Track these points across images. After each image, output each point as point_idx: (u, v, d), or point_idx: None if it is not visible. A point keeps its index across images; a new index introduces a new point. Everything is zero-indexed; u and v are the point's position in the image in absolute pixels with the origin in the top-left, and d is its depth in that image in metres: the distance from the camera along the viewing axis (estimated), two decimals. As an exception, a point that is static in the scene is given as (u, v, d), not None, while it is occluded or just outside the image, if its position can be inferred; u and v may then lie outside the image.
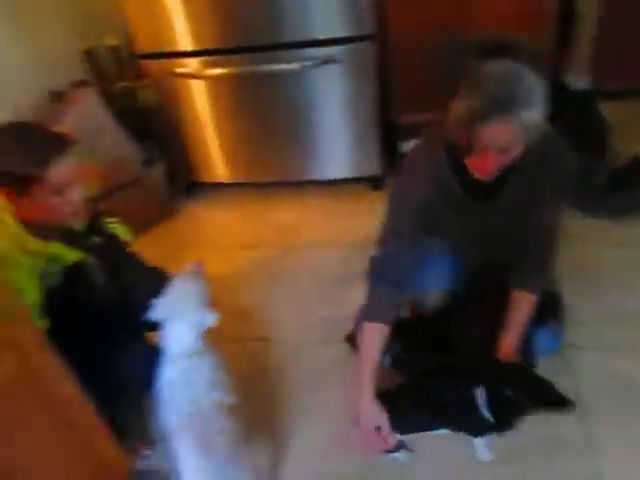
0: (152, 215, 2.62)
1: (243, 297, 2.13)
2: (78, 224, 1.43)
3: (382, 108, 2.42)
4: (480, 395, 1.31)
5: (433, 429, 1.44)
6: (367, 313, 1.50)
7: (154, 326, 1.42)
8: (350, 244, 2.30)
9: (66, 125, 2.12)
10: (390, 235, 1.49)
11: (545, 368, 1.45)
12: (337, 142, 2.52)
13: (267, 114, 2.50)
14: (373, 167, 2.55)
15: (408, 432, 1.45)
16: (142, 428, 1.50)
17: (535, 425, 1.43)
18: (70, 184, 1.31)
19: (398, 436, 1.44)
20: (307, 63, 2.27)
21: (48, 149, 1.27)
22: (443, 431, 1.43)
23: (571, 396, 1.21)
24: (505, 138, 1.18)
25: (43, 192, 1.27)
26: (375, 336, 1.48)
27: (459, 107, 1.20)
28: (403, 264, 1.47)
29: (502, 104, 1.14)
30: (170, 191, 2.77)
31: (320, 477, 1.55)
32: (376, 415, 1.41)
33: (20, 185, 1.25)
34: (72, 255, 1.42)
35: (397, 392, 1.49)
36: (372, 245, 1.50)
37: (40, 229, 1.34)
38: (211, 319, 1.40)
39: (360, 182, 2.65)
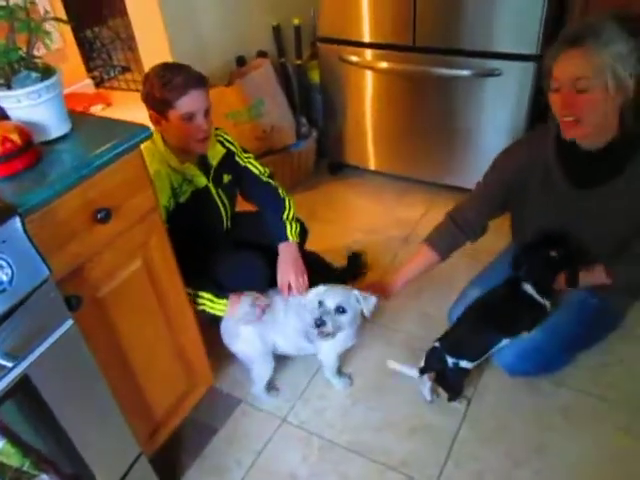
0: (294, 183, 2.87)
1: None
2: (206, 149, 1.71)
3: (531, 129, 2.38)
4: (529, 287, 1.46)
5: (496, 343, 1.57)
6: (428, 236, 1.71)
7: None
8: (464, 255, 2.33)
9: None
10: (477, 184, 1.67)
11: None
12: (479, 155, 2.53)
13: (422, 114, 2.59)
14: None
15: (477, 357, 1.57)
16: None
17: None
18: (197, 113, 1.59)
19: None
20: (473, 72, 2.32)
21: (186, 81, 1.56)
22: (504, 342, 1.57)
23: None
24: (570, 70, 1.28)
25: (176, 116, 1.57)
26: (421, 259, 1.69)
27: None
28: (475, 212, 1.65)
29: (570, 37, 1.28)
30: (316, 165, 3.01)
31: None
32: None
33: (159, 107, 1.57)
34: (202, 180, 1.72)
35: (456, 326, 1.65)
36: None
37: (181, 153, 1.66)
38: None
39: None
